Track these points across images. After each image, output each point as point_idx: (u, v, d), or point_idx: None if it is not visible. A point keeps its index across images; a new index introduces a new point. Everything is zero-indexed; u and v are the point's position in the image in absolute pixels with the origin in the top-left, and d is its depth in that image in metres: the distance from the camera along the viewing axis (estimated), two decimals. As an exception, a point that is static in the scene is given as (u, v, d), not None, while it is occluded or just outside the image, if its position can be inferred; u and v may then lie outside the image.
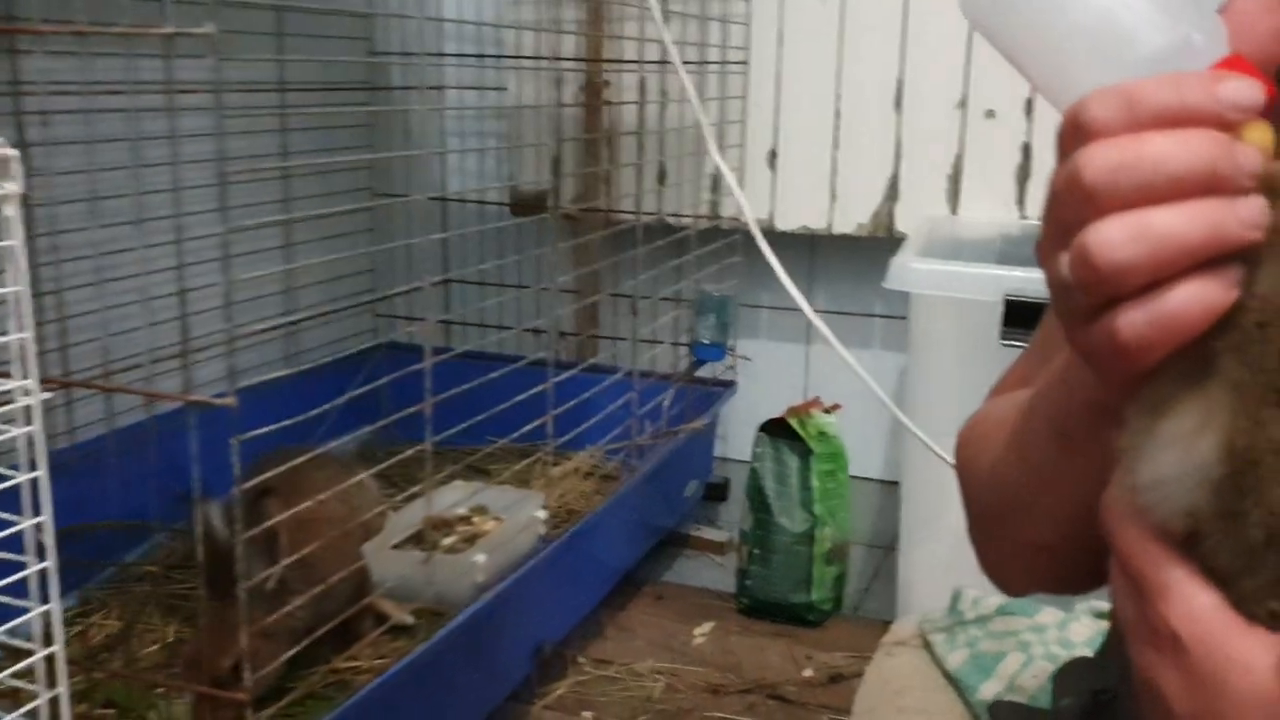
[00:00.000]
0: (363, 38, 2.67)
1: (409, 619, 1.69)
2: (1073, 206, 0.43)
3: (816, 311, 2.68)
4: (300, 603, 1.44)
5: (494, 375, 1.80)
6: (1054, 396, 0.59)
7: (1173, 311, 0.41)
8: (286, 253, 2.30)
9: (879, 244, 2.51)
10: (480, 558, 1.64)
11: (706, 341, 2.41)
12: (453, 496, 1.88)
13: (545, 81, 2.51)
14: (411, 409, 1.56)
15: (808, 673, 1.97)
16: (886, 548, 2.42)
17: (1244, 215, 0.41)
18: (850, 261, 2.65)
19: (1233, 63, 0.44)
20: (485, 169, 2.76)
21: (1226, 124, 0.42)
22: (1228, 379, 0.43)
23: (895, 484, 2.16)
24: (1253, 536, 0.42)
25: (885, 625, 1.77)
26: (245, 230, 1.20)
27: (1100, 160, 0.42)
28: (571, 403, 2.04)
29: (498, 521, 1.85)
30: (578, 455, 2.28)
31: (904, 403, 2.00)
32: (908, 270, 1.85)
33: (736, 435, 2.72)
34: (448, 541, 1.78)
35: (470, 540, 1.79)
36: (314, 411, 1.53)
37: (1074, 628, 1.56)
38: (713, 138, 1.94)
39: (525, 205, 2.57)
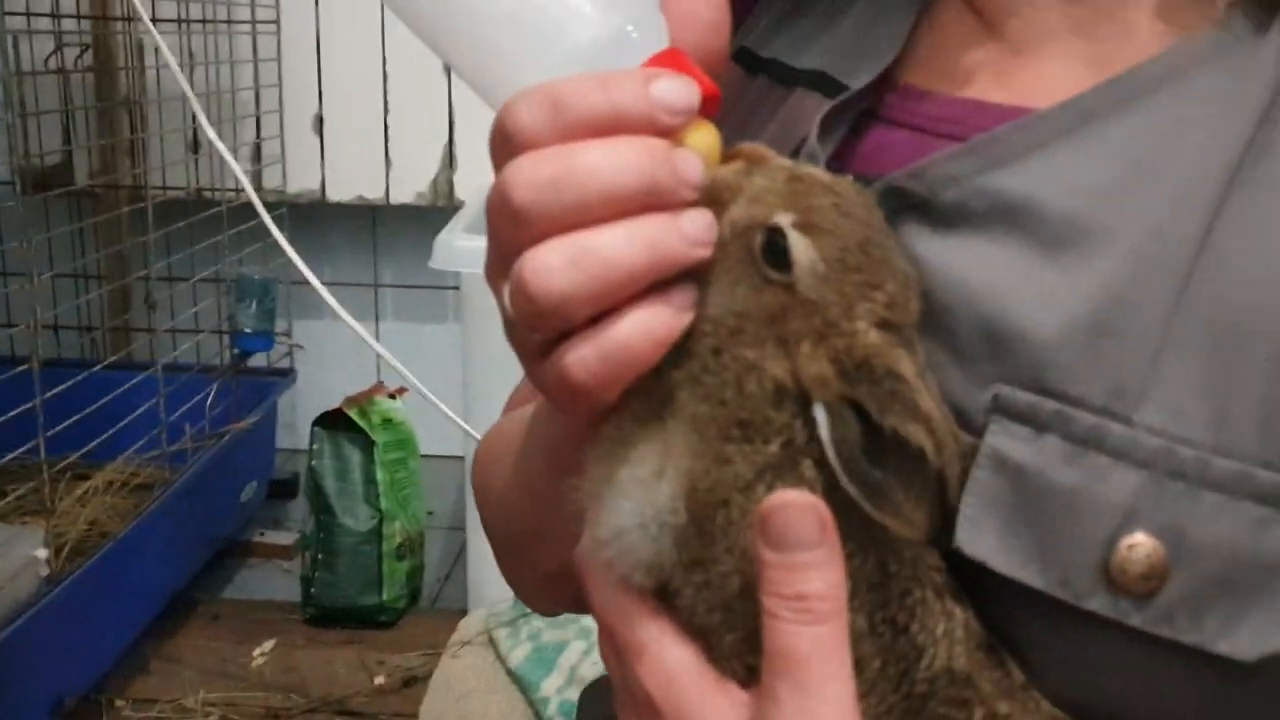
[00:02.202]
0: None
1: None
2: (506, 229, 0.38)
3: (384, 286, 2.57)
4: None
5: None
6: (544, 422, 0.55)
7: (620, 344, 0.38)
8: None
9: (443, 213, 2.41)
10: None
11: (249, 330, 2.21)
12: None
13: (48, 42, 2.21)
14: None
15: (379, 679, 1.86)
16: (465, 530, 2.33)
17: (688, 231, 0.38)
18: (415, 232, 2.52)
19: (670, 57, 0.40)
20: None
21: (664, 128, 0.38)
22: (685, 414, 0.40)
23: (468, 465, 2.08)
24: (729, 586, 0.40)
25: (463, 616, 1.69)
26: None
27: (527, 176, 0.37)
28: (92, 408, 1.81)
29: (-10, 563, 1.59)
30: (109, 467, 2.02)
31: (467, 379, 1.91)
32: (452, 248, 1.76)
33: (303, 427, 2.54)
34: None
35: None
36: None
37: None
38: (235, 104, 1.75)
39: (36, 183, 2.25)
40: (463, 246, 1.76)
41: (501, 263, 0.39)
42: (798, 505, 0.38)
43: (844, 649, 0.38)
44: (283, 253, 2.23)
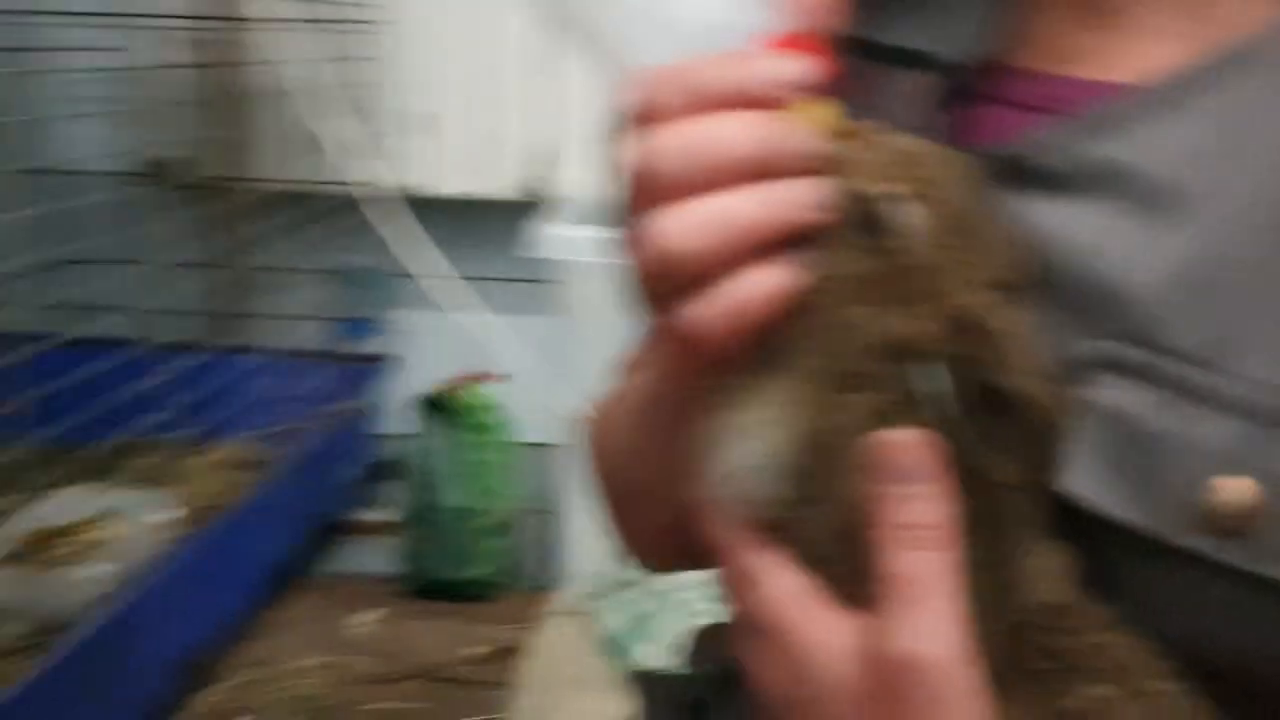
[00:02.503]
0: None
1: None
2: (640, 194, 0.42)
3: (480, 279, 2.65)
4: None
5: (115, 363, 1.65)
6: (661, 381, 0.58)
7: (742, 299, 0.41)
8: None
9: (536, 207, 2.49)
10: (100, 569, 1.50)
11: (356, 316, 2.30)
12: (70, 502, 1.71)
13: (169, 42, 2.32)
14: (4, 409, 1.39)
15: (477, 650, 1.94)
16: (556, 513, 2.41)
17: (807, 197, 0.41)
18: (510, 225, 2.60)
19: (790, 39, 0.44)
20: (106, 138, 2.52)
21: (782, 103, 0.42)
22: (800, 366, 0.42)
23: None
24: (839, 522, 0.42)
25: (554, 594, 1.76)
26: None
27: (664, 146, 0.41)
28: (211, 388, 1.91)
29: (123, 527, 1.69)
30: (223, 445, 2.13)
31: (566, 366, 1.99)
32: (553, 238, 1.83)
33: (403, 410, 2.63)
34: (64, 553, 1.61)
35: (90, 550, 1.62)
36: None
37: (726, 582, 1.60)
38: (347, 102, 1.84)
39: (153, 175, 2.37)
40: (563, 236, 1.83)
41: (633, 222, 0.43)
42: (908, 442, 0.41)
43: (951, 575, 0.40)
44: (389, 243, 2.33)
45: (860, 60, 0.58)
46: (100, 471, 1.88)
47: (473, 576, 2.08)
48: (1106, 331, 0.44)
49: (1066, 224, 0.45)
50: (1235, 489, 0.41)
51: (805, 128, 0.42)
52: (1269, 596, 0.42)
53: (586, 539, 1.95)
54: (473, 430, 2.09)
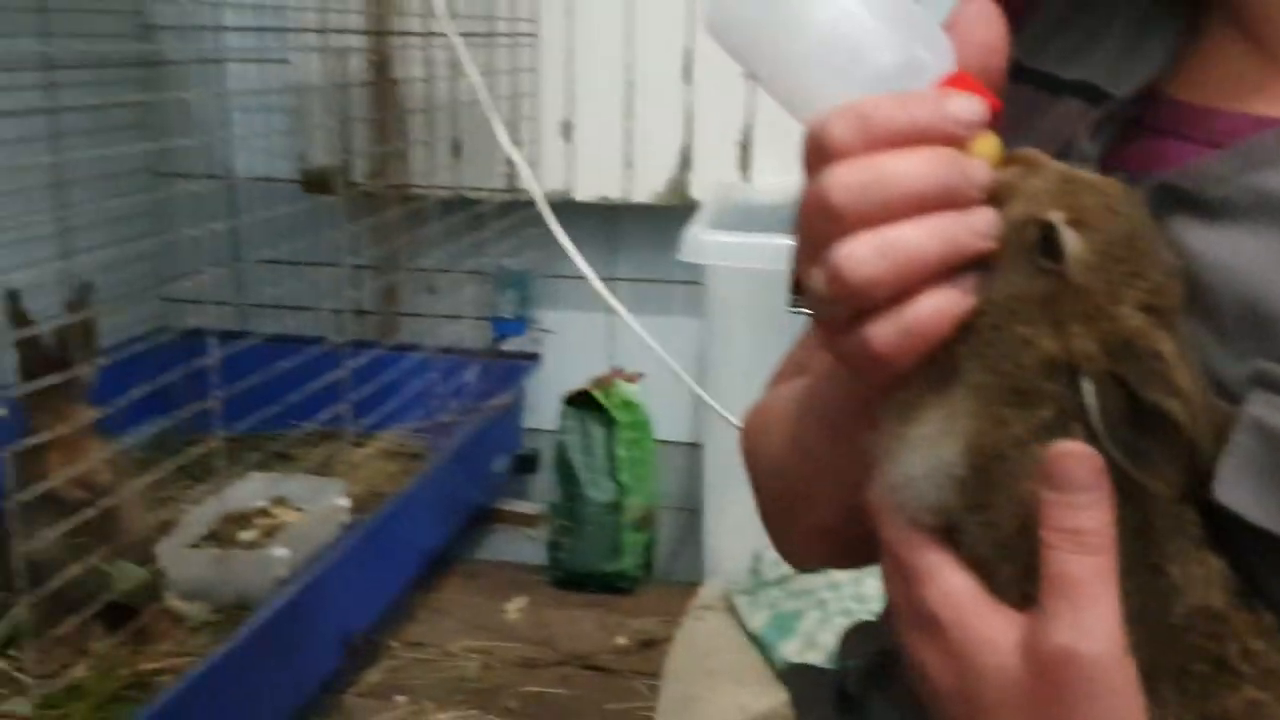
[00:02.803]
0: (133, 11, 2.54)
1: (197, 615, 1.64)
2: (820, 225, 0.45)
3: (619, 280, 2.73)
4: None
5: (291, 359, 1.76)
6: (823, 390, 0.61)
7: (918, 321, 0.44)
8: (63, 240, 2.19)
9: (676, 212, 2.54)
10: (280, 552, 1.61)
11: (508, 316, 2.41)
12: (251, 489, 1.84)
13: (331, 56, 2.45)
14: (204, 402, 1.51)
15: (621, 640, 2.01)
16: (695, 511, 2.47)
17: (977, 226, 0.44)
18: (650, 229, 2.67)
19: (959, 79, 0.47)
20: (276, 147, 2.67)
21: (956, 139, 0.45)
22: (969, 383, 0.45)
23: (702, 448, 2.21)
24: (1006, 527, 0.45)
25: (694, 589, 1.82)
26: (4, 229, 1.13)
27: (842, 181, 0.44)
28: (373, 384, 2.02)
29: (298, 512, 1.81)
30: (384, 436, 2.25)
31: (704, 368, 2.05)
32: (699, 242, 1.88)
33: (545, 407, 2.72)
34: (246, 536, 1.73)
35: (270, 534, 1.75)
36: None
37: (869, 583, 1.65)
38: (498, 111, 1.93)
39: (317, 183, 2.50)
40: (708, 241, 1.88)
41: (813, 251, 0.46)
42: (1077, 453, 0.43)
43: (1112, 578, 0.43)
44: (537, 247, 2.43)
45: (1028, 89, 0.61)
46: (277, 462, 2.02)
47: (615, 569, 2.16)
48: (1262, 351, 0.45)
49: (1225, 250, 0.47)
50: None
51: (979, 160, 0.45)
52: None
53: (727, 535, 2.01)
54: (616, 427, 2.16)
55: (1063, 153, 0.55)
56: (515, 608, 2.11)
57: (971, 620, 0.46)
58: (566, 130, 2.56)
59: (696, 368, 2.21)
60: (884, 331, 0.45)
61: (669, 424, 2.64)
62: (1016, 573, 0.46)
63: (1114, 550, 0.43)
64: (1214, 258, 0.48)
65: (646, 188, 2.56)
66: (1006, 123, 0.59)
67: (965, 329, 0.45)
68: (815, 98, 0.47)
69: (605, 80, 2.52)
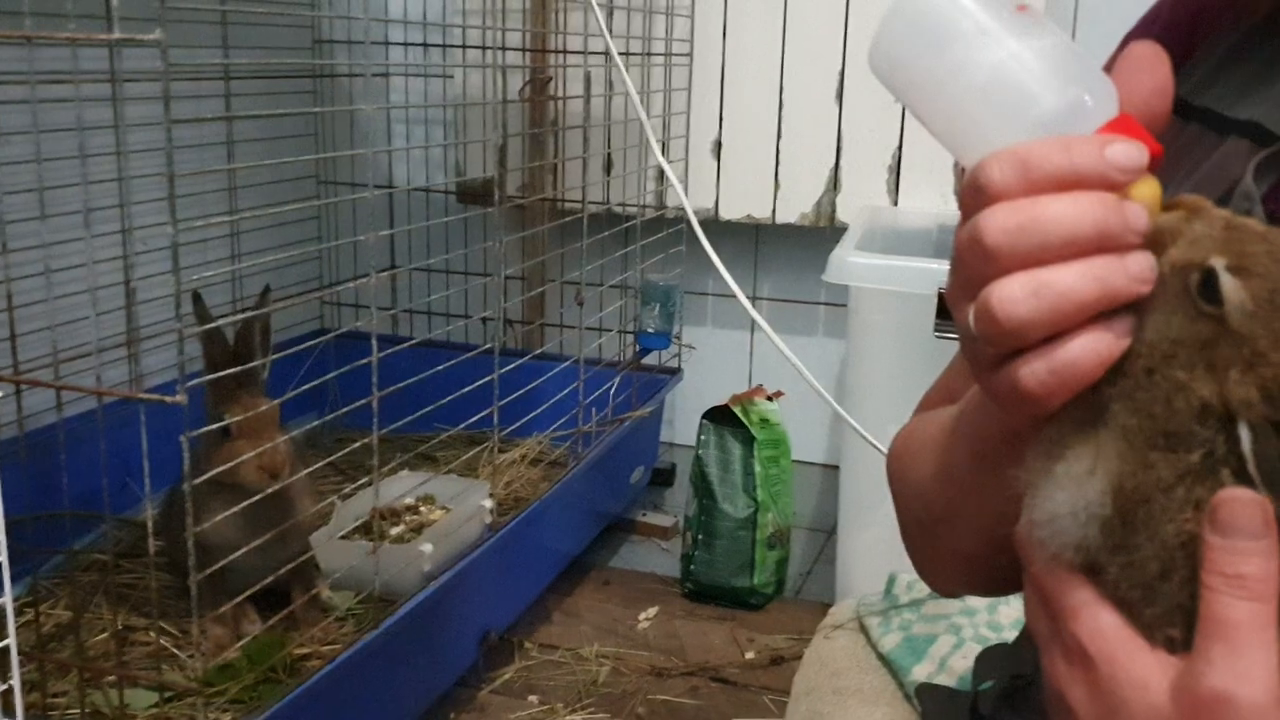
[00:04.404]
0: (306, 26, 2.67)
1: (339, 603, 1.71)
2: (975, 265, 0.46)
3: (761, 299, 2.75)
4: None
5: (442, 364, 1.82)
6: (972, 419, 0.62)
7: (1069, 362, 0.44)
8: (233, 240, 2.31)
9: (821, 233, 2.56)
10: (427, 547, 1.67)
11: (652, 330, 2.45)
12: (400, 486, 1.91)
13: (491, 73, 2.53)
14: (360, 401, 1.58)
15: (749, 655, 2.02)
16: (828, 532, 2.47)
17: (1133, 271, 0.44)
18: (794, 250, 2.69)
19: (1121, 123, 0.47)
20: (432, 158, 2.77)
21: (1115, 184, 0.45)
22: (1118, 424, 0.46)
23: (838, 469, 2.21)
24: (1149, 569, 0.46)
25: (825, 608, 1.82)
26: (194, 228, 1.21)
27: (999, 223, 0.45)
28: (519, 391, 2.07)
29: (444, 511, 1.88)
30: (526, 442, 2.32)
31: (844, 390, 2.05)
32: (845, 263, 1.89)
33: (683, 421, 2.76)
34: (395, 531, 1.80)
35: (417, 530, 1.81)
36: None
37: (1003, 610, 1.63)
38: (651, 129, 1.97)
39: (473, 195, 2.59)
40: (855, 263, 1.89)
41: (967, 289, 0.47)
42: (1245, 500, 0.43)
43: (1273, 627, 0.43)
44: (683, 263, 2.46)
45: (1194, 127, 0.62)
46: (423, 462, 2.09)
47: (747, 585, 2.17)
48: None
49: None
50: None
51: (1137, 205, 0.45)
52: None
53: (861, 557, 2.01)
54: (755, 443, 2.18)
55: (1228, 192, 0.55)
56: (647, 617, 2.14)
57: (1122, 659, 0.46)
58: (717, 149, 2.60)
59: (837, 389, 2.22)
60: (1035, 371, 0.45)
61: (807, 444, 2.65)
62: (1159, 616, 0.46)
63: (1275, 600, 0.43)
64: None
65: (794, 208, 2.58)
66: (1170, 160, 0.58)
67: (1117, 370, 0.45)
68: (977, 140, 0.48)
69: (757, 100, 2.55)
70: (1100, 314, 0.45)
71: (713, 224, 2.65)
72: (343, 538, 1.74)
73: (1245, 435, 0.43)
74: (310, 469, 1.66)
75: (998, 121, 0.47)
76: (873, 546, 1.98)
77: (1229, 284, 0.44)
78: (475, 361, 1.90)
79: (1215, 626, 0.43)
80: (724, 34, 2.55)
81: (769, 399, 2.28)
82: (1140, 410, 0.45)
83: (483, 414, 1.87)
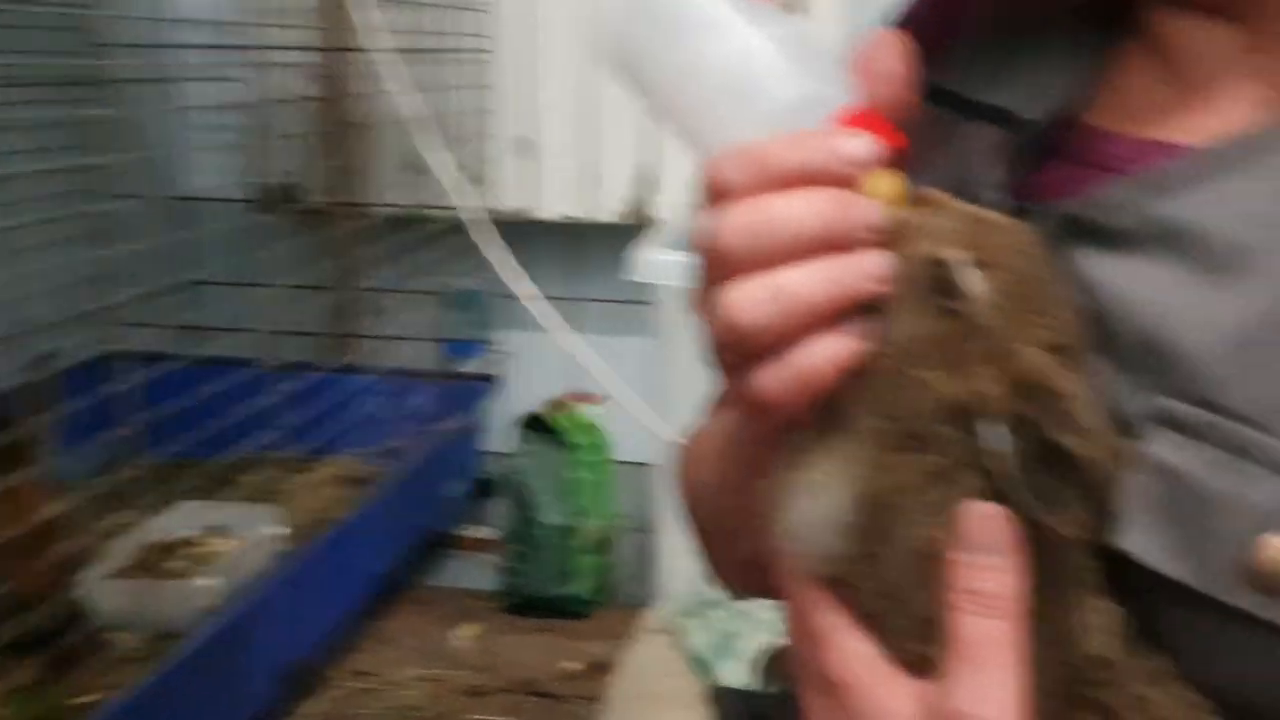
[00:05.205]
0: (79, 28, 2.51)
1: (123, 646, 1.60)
2: (710, 267, 0.44)
3: (581, 300, 2.69)
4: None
5: (220, 382, 1.72)
6: (739, 426, 0.60)
7: (806, 367, 0.43)
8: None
9: (640, 231, 2.51)
10: (203, 582, 1.57)
11: (462, 337, 2.36)
12: (180, 517, 1.79)
13: (284, 74, 2.42)
14: (122, 429, 1.46)
15: (571, 665, 1.97)
16: (653, 532, 2.43)
17: (867, 269, 0.43)
18: (614, 250, 2.63)
19: (859, 114, 0.45)
20: (225, 165, 2.63)
21: (847, 179, 0.43)
22: (864, 427, 0.44)
23: (660, 469, 2.17)
24: (895, 579, 0.44)
25: (647, 611, 1.78)
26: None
27: (732, 223, 0.43)
28: (316, 407, 1.98)
29: (232, 541, 1.77)
30: (335, 461, 2.21)
31: (661, 389, 2.01)
32: (649, 261, 1.85)
33: (508, 430, 2.69)
34: (174, 566, 1.68)
35: (200, 563, 1.70)
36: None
37: (813, 607, 1.60)
38: (448, 129, 1.89)
39: (269, 202, 2.47)
40: (661, 261, 1.85)
41: (706, 294, 0.45)
42: (990, 515, 0.42)
43: (1016, 644, 0.42)
44: (495, 267, 2.39)
45: (945, 112, 0.59)
46: (214, 487, 1.97)
47: (570, 593, 2.12)
48: (1164, 389, 0.44)
49: (1128, 282, 0.46)
50: None
51: (870, 201, 0.43)
52: None
53: (680, 557, 1.97)
54: (572, 449, 2.12)
55: (976, 179, 0.54)
56: (465, 635, 2.06)
57: (871, 688, 0.44)
58: (527, 148, 2.54)
59: (656, 389, 2.17)
60: (772, 377, 0.43)
61: (634, 445, 2.60)
62: (903, 629, 0.44)
63: (1021, 615, 0.42)
64: (1115, 289, 0.46)
65: (607, 207, 2.53)
66: (919, 147, 0.57)
67: (861, 372, 0.44)
68: (712, 137, 0.46)
69: (566, 98, 2.49)
70: (840, 316, 0.43)
71: (528, 225, 2.59)
72: (112, 576, 1.62)
73: (991, 433, 0.42)
74: (70, 503, 1.53)
75: (732, 117, 0.45)
76: (689, 546, 1.93)
77: (972, 278, 0.43)
78: (274, 377, 1.80)
79: (961, 646, 0.42)
80: (529, 28, 2.48)
81: (587, 403, 2.23)
82: (885, 412, 0.44)
83: (274, 433, 1.77)
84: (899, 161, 0.45)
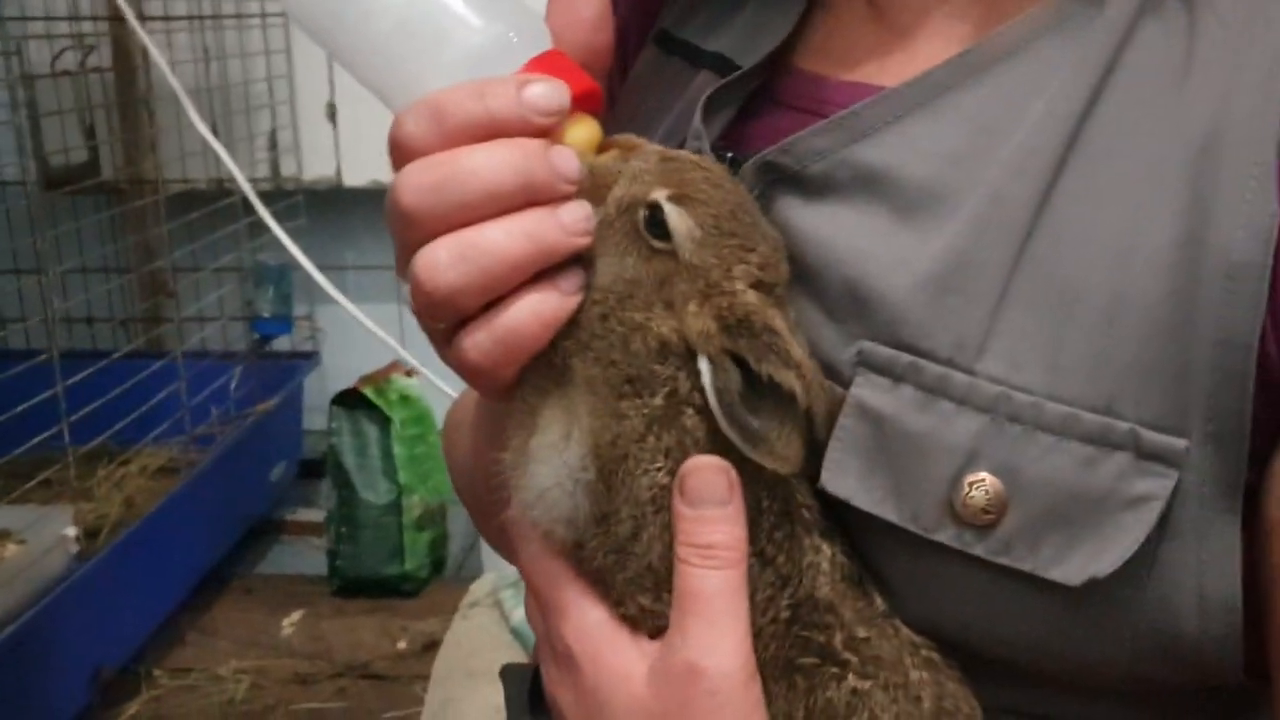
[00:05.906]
0: None
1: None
2: (400, 231, 0.42)
3: (388, 270, 2.62)
4: None
5: (17, 374, 1.62)
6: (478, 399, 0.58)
7: (511, 329, 0.41)
8: None
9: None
10: (-5, 589, 1.47)
11: (267, 315, 2.27)
12: (-32, 521, 1.68)
13: (68, 45, 2.28)
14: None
15: (401, 645, 1.92)
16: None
17: (566, 222, 0.41)
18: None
19: (549, 60, 0.43)
20: (4, 144, 2.47)
21: (538, 128, 0.41)
22: (581, 379, 0.43)
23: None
24: (622, 530, 0.43)
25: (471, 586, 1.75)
26: None
27: (414, 181, 0.41)
28: (125, 395, 1.88)
29: (18, 546, 1.66)
30: (145, 451, 2.10)
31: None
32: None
33: (321, 408, 2.60)
34: (-42, 574, 1.58)
35: (-12, 569, 1.60)
36: None
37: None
38: (209, 97, 1.80)
39: (56, 182, 2.33)
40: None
41: (403, 260, 0.42)
42: (712, 467, 0.42)
43: (744, 591, 0.42)
44: (298, 239, 2.30)
45: (677, 60, 0.57)
46: (11, 487, 1.85)
47: (400, 571, 2.07)
48: (865, 332, 0.44)
49: (827, 227, 0.45)
50: (980, 484, 0.42)
51: (564, 149, 0.41)
52: (1018, 586, 0.43)
53: (505, 528, 1.94)
54: (392, 424, 2.07)
55: (689, 123, 0.51)
56: (291, 622, 2.00)
57: (606, 655, 0.44)
58: (332, 113, 2.45)
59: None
60: (477, 341, 0.41)
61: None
62: (631, 582, 0.44)
63: (745, 563, 0.42)
64: (817, 235, 0.45)
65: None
66: (654, 99, 0.56)
67: (571, 325, 0.42)
68: (399, 89, 0.43)
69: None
70: (542, 270, 0.41)
71: (338, 192, 2.50)
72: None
73: (705, 369, 0.41)
74: None
75: (416, 67, 0.43)
76: (515, 515, 1.91)
77: (674, 214, 0.42)
78: (69, 368, 1.69)
79: (689, 600, 0.42)
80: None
81: (409, 374, 2.17)
82: (601, 359, 0.42)
83: (57, 427, 1.67)
84: (594, 107, 0.43)
